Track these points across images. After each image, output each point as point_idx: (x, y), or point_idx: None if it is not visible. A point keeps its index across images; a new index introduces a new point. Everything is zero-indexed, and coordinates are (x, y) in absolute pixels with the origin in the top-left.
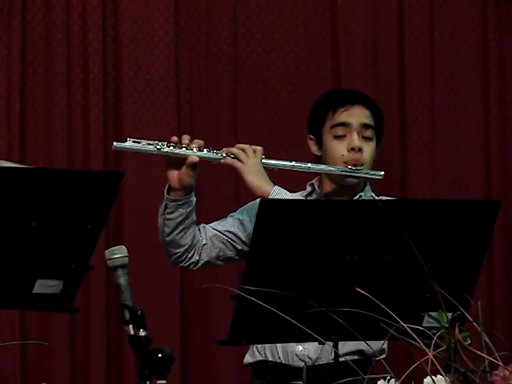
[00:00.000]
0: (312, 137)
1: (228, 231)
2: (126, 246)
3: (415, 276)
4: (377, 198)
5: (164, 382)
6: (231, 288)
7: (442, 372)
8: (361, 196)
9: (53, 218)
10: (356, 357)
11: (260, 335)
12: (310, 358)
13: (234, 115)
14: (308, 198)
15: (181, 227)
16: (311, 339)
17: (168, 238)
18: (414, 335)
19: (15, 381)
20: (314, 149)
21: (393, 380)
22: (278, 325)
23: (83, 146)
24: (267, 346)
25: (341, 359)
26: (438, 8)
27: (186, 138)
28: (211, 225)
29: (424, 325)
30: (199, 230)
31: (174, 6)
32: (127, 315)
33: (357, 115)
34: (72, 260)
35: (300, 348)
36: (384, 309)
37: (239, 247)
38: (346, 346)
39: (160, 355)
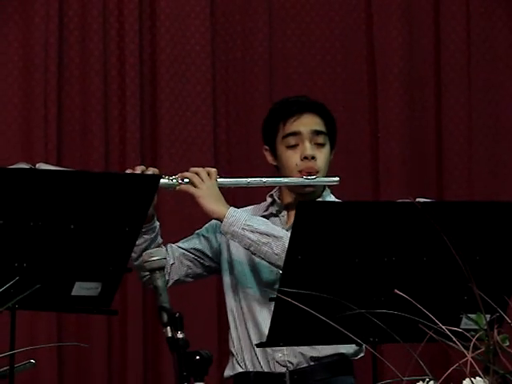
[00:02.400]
0: (267, 147)
1: (194, 249)
2: (164, 249)
3: (453, 278)
4: (339, 201)
5: (202, 383)
6: (269, 290)
7: (481, 374)
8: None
9: (91, 220)
10: (335, 357)
11: (298, 337)
12: (291, 363)
13: None
14: (269, 210)
15: (147, 251)
16: (349, 341)
17: (136, 263)
18: (453, 337)
19: (52, 383)
20: (269, 159)
21: (431, 382)
22: (316, 327)
23: (120, 149)
24: (247, 356)
25: (322, 361)
26: (473, 10)
27: (139, 169)
28: (178, 244)
29: (462, 327)
30: (166, 250)
31: (209, 8)
32: (165, 317)
33: (306, 123)
34: (110, 262)
35: (279, 354)
36: (422, 311)
37: (207, 264)
38: (324, 350)
39: (198, 357)
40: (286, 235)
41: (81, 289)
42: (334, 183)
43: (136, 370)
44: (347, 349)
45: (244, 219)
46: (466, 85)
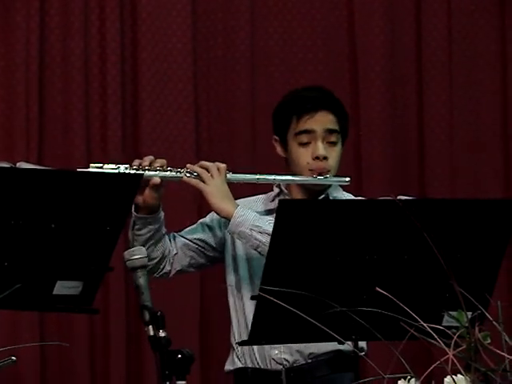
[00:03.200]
0: (277, 138)
1: (198, 239)
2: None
3: (435, 275)
4: (347, 194)
5: (184, 382)
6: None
7: (463, 371)
8: (328, 193)
9: (72, 219)
10: (333, 355)
11: (280, 335)
12: (288, 361)
13: (252, 116)
14: (276, 200)
15: (150, 242)
16: (331, 339)
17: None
18: (434, 335)
19: (35, 382)
20: (279, 150)
21: (413, 379)
22: (298, 325)
23: (101, 147)
24: (246, 352)
25: (320, 358)
26: (454, 7)
27: (147, 160)
28: (181, 233)
29: (444, 324)
30: (169, 239)
31: (191, 6)
32: (147, 316)
33: (321, 122)
34: (92, 261)
35: (276, 351)
36: (404, 308)
37: (210, 254)
38: (323, 347)
39: (180, 356)
40: None
41: (62, 288)
42: (345, 183)
43: (119, 369)
44: (346, 346)
45: (252, 219)
46: (447, 82)
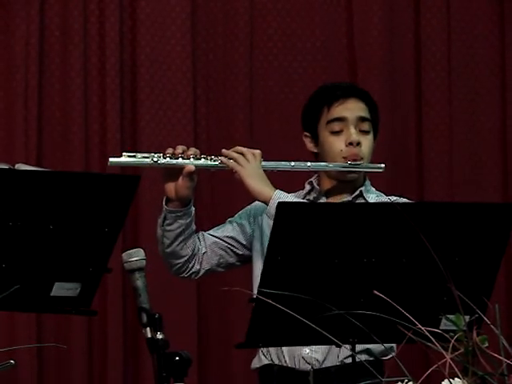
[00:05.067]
0: (307, 134)
1: (227, 237)
2: (143, 249)
3: (432, 279)
4: (378, 192)
5: None
6: (248, 291)
7: (460, 375)
8: (361, 191)
9: (70, 220)
10: (364, 357)
11: (277, 338)
12: (318, 361)
13: (250, 118)
14: (307, 197)
15: (180, 238)
16: (329, 342)
17: (168, 250)
18: (432, 338)
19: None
20: (310, 146)
21: (410, 383)
22: (296, 327)
23: (100, 149)
24: (273, 349)
25: (347, 361)
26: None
27: (180, 148)
28: (210, 232)
29: (441, 328)
30: (198, 238)
31: (190, 8)
32: (144, 318)
33: (352, 109)
34: (90, 263)
35: (307, 350)
36: (401, 311)
37: (240, 252)
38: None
39: (177, 358)
40: None
41: (60, 289)
42: (380, 170)
43: (116, 371)
44: (374, 346)
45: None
46: (446, 84)
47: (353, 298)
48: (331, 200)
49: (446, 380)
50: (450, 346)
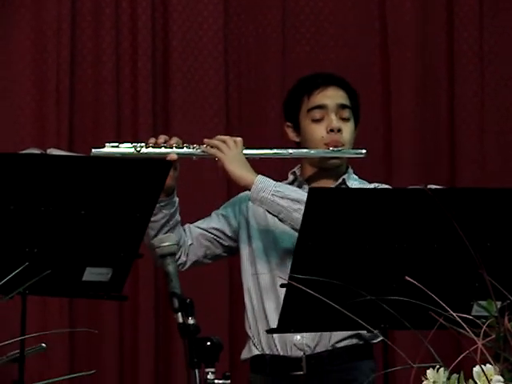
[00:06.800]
0: (289, 124)
1: (213, 228)
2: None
3: (464, 265)
4: (361, 180)
5: (213, 369)
6: (281, 276)
7: (492, 361)
8: (344, 179)
9: (102, 206)
10: (354, 341)
11: (308, 323)
12: (309, 347)
13: (281, 101)
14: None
15: (166, 229)
16: (359, 327)
17: (153, 241)
18: (464, 324)
19: (64, 368)
20: (291, 135)
21: (442, 369)
22: (327, 313)
23: (132, 134)
24: (263, 339)
25: (339, 345)
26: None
27: (162, 138)
28: (196, 224)
29: (473, 314)
30: (184, 230)
31: None
32: (176, 303)
33: (332, 96)
34: (121, 248)
35: (298, 337)
36: (433, 297)
37: (226, 243)
38: (341, 331)
39: (209, 343)
40: None
41: (91, 274)
42: (361, 155)
43: (148, 356)
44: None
45: (273, 185)
46: (478, 73)
47: (384, 284)
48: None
49: (478, 366)
50: (482, 332)
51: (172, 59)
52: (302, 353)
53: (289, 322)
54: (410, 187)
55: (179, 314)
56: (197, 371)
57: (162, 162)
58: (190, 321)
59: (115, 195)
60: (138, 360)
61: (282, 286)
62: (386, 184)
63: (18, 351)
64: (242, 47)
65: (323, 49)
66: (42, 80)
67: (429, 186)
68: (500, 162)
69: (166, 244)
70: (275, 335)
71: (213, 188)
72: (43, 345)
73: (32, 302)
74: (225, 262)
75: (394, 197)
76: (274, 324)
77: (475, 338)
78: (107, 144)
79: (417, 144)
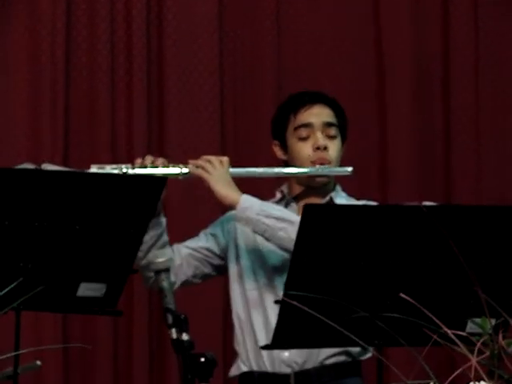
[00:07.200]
0: (276, 142)
1: (202, 247)
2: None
3: (459, 282)
4: (349, 197)
5: None
6: (281, 294)
7: (486, 378)
8: (331, 197)
9: (96, 221)
10: (342, 357)
11: (303, 340)
12: (297, 363)
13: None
14: (278, 205)
15: (153, 250)
16: (354, 344)
17: (142, 262)
18: (458, 341)
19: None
20: (279, 154)
21: None
22: (322, 330)
23: (127, 148)
24: (252, 356)
25: (327, 362)
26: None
27: (148, 158)
28: (184, 244)
29: (467, 331)
30: (172, 250)
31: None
32: (170, 319)
33: (318, 114)
34: (115, 263)
35: (286, 354)
36: (427, 314)
37: (215, 263)
38: (330, 348)
39: (203, 359)
40: None
41: (86, 290)
42: (347, 173)
43: (141, 372)
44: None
45: (259, 205)
46: (473, 83)
47: (379, 301)
48: (301, 206)
49: (472, 383)
50: (476, 349)
51: (166, 60)
52: (290, 369)
53: (283, 338)
54: (406, 204)
55: (173, 329)
56: None
57: (157, 179)
58: (184, 337)
59: (110, 211)
60: (132, 376)
61: (276, 302)
62: (375, 201)
63: (12, 368)
64: (237, 49)
65: (319, 50)
66: (36, 79)
67: (424, 203)
68: (496, 175)
69: (162, 260)
70: (263, 352)
71: (208, 206)
72: (38, 362)
73: (26, 318)
74: (219, 278)
75: (388, 213)
76: (262, 340)
77: (469, 355)
78: (93, 165)
79: (412, 158)
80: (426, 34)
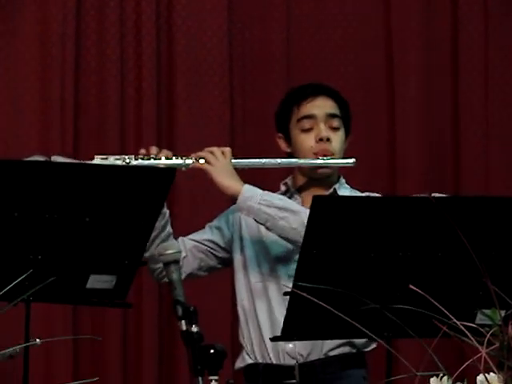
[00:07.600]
0: (280, 135)
1: (207, 240)
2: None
3: (468, 273)
4: (353, 189)
5: (216, 377)
6: (284, 284)
7: (495, 370)
8: (335, 189)
9: (106, 213)
10: (347, 349)
11: (312, 331)
12: (302, 355)
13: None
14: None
15: (157, 241)
16: (363, 336)
17: (147, 254)
18: (467, 332)
19: (67, 375)
20: (283, 146)
21: (445, 377)
22: (331, 321)
23: (136, 140)
24: (257, 348)
25: (331, 353)
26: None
27: (153, 149)
28: (189, 236)
29: (477, 322)
30: (178, 243)
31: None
32: (180, 311)
33: (321, 106)
34: (125, 255)
35: (290, 345)
36: (437, 306)
37: (220, 255)
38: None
39: (212, 351)
40: (304, 210)
41: (95, 282)
42: (350, 164)
43: (151, 363)
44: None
45: (260, 194)
46: (483, 77)
47: (388, 292)
48: (305, 197)
49: (481, 375)
50: (486, 340)
51: (176, 53)
52: (294, 361)
53: (292, 329)
54: (415, 195)
55: (183, 321)
56: (200, 379)
57: (166, 170)
58: (194, 328)
59: (119, 203)
60: (141, 367)
61: (286, 293)
62: (377, 193)
63: (13, 348)
64: (246, 40)
65: (328, 42)
66: (46, 74)
67: (433, 195)
68: (505, 169)
69: (171, 251)
70: (268, 344)
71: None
72: (37, 340)
73: (36, 309)
74: (228, 271)
75: (398, 205)
76: (266, 331)
77: (479, 347)
78: (96, 156)
79: (421, 152)
80: (435, 29)
